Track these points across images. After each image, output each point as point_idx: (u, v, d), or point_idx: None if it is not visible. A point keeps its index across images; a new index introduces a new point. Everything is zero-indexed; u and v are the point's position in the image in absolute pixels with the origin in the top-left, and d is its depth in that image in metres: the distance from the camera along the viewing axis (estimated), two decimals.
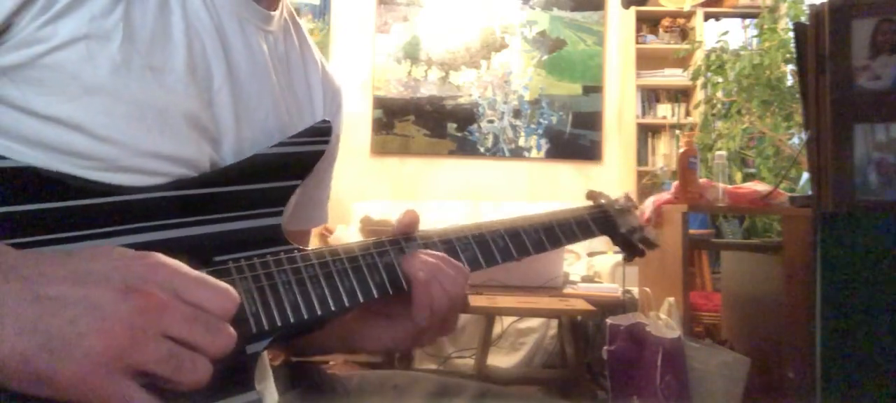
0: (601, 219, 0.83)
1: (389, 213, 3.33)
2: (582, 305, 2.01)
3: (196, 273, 0.44)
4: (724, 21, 4.11)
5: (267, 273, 0.54)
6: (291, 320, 0.53)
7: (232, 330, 0.43)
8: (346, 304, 0.57)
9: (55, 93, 0.49)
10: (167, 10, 0.57)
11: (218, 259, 0.54)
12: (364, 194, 4.04)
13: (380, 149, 4.30)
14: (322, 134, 0.64)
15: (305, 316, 0.54)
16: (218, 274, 0.52)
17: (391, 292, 0.60)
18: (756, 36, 3.74)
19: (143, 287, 0.41)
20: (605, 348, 1.91)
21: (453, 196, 4.11)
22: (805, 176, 2.33)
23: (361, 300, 0.58)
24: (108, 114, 0.51)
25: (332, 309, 0.56)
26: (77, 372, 0.38)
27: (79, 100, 0.50)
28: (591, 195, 0.89)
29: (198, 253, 0.53)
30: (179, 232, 0.53)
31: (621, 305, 2.24)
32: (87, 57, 0.50)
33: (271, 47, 0.67)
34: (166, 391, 0.41)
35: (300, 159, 0.62)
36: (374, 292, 0.59)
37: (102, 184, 0.51)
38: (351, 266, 0.59)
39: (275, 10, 0.67)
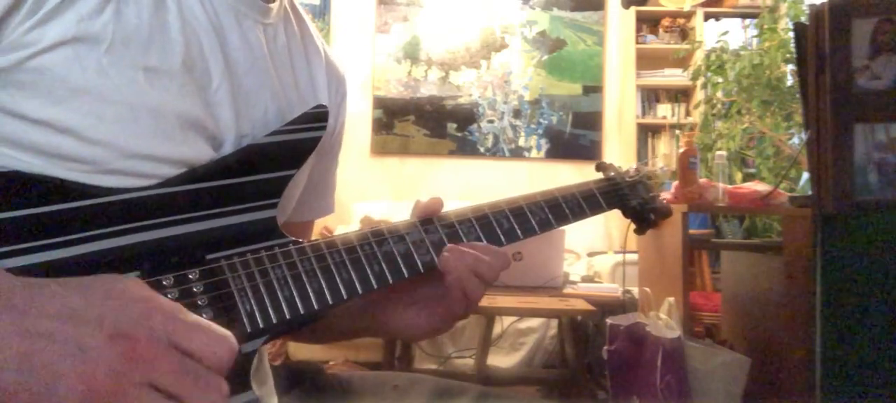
0: (611, 193, 0.79)
1: (389, 213, 3.33)
2: (582, 305, 2.01)
3: (195, 318, 0.42)
4: (724, 21, 4.10)
5: (261, 269, 0.53)
6: (287, 316, 0.52)
7: (226, 385, 0.41)
8: (344, 297, 0.56)
9: (43, 96, 0.48)
10: (163, 9, 0.55)
11: (210, 257, 0.53)
12: (364, 194, 4.04)
13: (380, 149, 4.29)
14: (317, 120, 0.62)
15: (301, 312, 0.53)
16: (210, 273, 0.52)
17: (392, 281, 0.59)
18: (756, 36, 3.74)
19: (133, 332, 0.39)
20: (605, 348, 1.91)
21: (453, 196, 4.10)
22: (805, 176, 2.33)
23: (360, 291, 0.57)
24: (97, 116, 0.50)
25: (330, 302, 0.55)
26: None
27: (67, 102, 0.49)
28: (600, 166, 0.84)
29: (189, 251, 0.52)
30: (170, 231, 0.52)
31: (621, 305, 2.24)
32: (74, 59, 0.49)
33: (270, 39, 0.65)
34: None
35: (294, 147, 0.60)
36: (373, 283, 0.58)
37: (91, 186, 0.50)
38: (349, 257, 0.58)
39: (273, 2, 0.66)
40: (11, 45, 0.48)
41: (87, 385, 0.37)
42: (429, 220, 0.64)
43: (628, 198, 0.81)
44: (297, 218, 0.71)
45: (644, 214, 0.82)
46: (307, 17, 0.75)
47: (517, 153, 4.30)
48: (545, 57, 4.32)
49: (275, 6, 0.66)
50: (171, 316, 0.41)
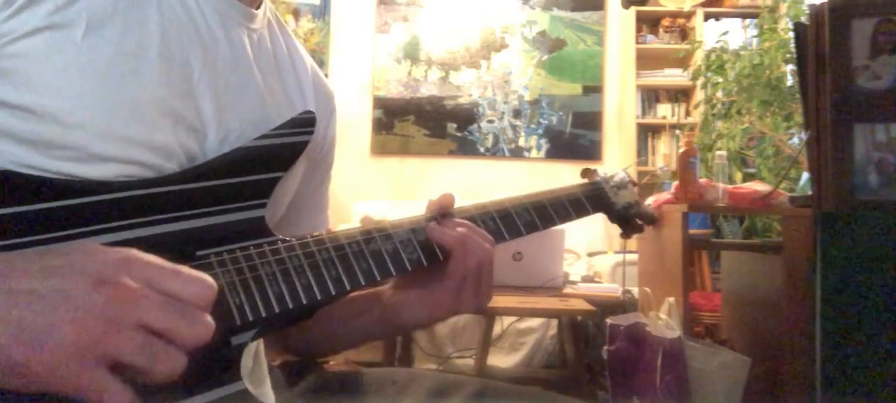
0: (596, 197, 0.82)
1: (389, 213, 3.32)
2: (582, 305, 2.01)
3: (171, 264, 0.43)
4: (724, 21, 4.11)
5: (250, 265, 0.54)
6: (276, 310, 0.53)
7: (210, 318, 0.43)
8: (332, 292, 0.57)
9: (22, 82, 0.50)
10: (142, 4, 0.57)
11: (200, 254, 0.53)
12: (364, 194, 4.04)
13: (380, 149, 4.30)
14: (305, 124, 0.63)
15: (290, 306, 0.54)
16: (200, 269, 0.53)
17: (379, 279, 0.61)
18: (756, 36, 3.74)
19: (116, 278, 0.40)
20: (605, 348, 1.91)
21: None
22: (805, 176, 2.33)
23: (348, 287, 0.58)
24: (76, 97, 0.51)
25: (318, 297, 0.56)
26: (50, 362, 0.38)
27: (46, 88, 0.50)
28: (585, 172, 0.88)
29: (180, 248, 0.53)
30: (161, 229, 0.53)
31: (621, 305, 2.24)
32: (51, 44, 0.51)
33: (255, 44, 0.67)
34: (143, 383, 0.41)
35: (283, 151, 0.62)
36: (361, 279, 0.59)
37: (80, 180, 0.50)
38: (337, 254, 0.59)
39: (257, 9, 0.67)
40: None
41: (79, 329, 0.38)
42: (416, 220, 0.66)
43: (613, 203, 0.84)
44: (292, 233, 0.72)
45: (628, 218, 0.86)
46: (291, 34, 0.76)
47: (517, 153, 4.30)
48: (545, 57, 4.33)
49: (259, 14, 0.68)
50: (148, 262, 0.42)
